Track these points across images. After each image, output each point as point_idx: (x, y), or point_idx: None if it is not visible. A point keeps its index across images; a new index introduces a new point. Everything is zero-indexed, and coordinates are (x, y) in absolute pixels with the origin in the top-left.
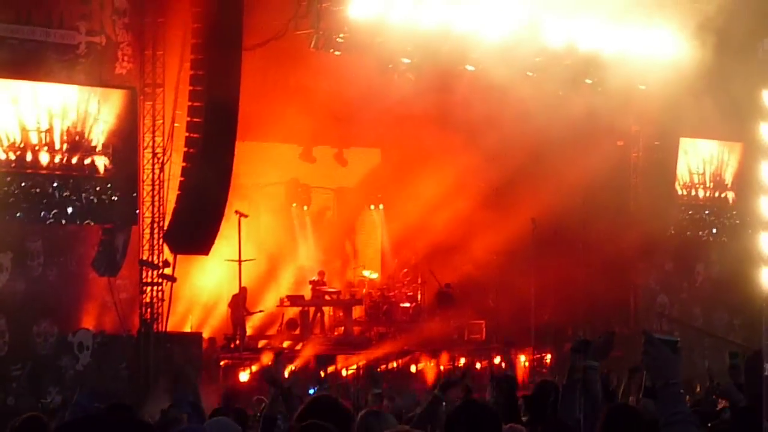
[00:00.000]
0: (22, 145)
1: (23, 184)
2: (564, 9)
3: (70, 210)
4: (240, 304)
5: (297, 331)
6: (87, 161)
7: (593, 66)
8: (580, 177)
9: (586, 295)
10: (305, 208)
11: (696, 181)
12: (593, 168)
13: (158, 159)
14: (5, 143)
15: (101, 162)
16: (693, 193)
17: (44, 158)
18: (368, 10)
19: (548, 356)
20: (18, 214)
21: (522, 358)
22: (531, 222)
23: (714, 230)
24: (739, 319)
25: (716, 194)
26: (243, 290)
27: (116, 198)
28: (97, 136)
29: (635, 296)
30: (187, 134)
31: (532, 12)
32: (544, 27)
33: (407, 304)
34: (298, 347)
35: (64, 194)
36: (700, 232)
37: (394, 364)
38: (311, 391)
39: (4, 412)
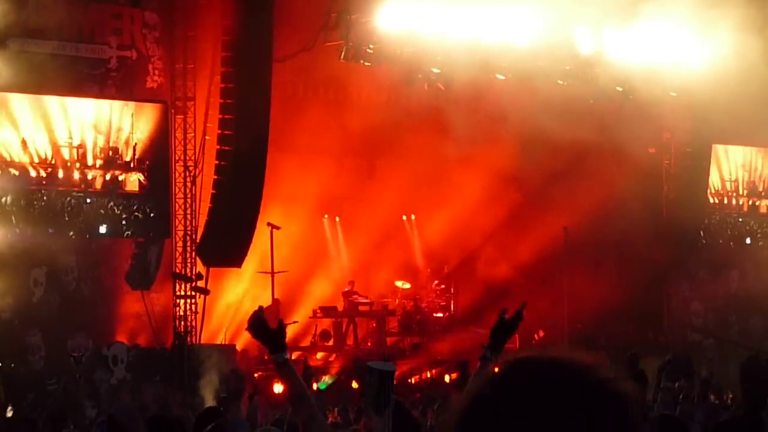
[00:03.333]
0: (53, 162)
1: (56, 200)
2: (593, 17)
3: (103, 224)
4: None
5: (330, 342)
6: (120, 176)
7: (623, 73)
8: (612, 185)
9: (619, 303)
10: (337, 219)
11: (729, 188)
12: (625, 176)
13: (190, 172)
14: (36, 159)
15: (134, 176)
16: (726, 200)
17: (77, 174)
18: (397, 20)
19: None
20: (51, 230)
21: None
22: (563, 230)
23: (748, 238)
24: None
25: (750, 202)
26: (276, 302)
27: (149, 212)
28: (129, 150)
29: (668, 304)
30: (218, 147)
31: (562, 21)
32: (574, 35)
33: (440, 314)
34: (331, 358)
35: (97, 209)
36: (734, 240)
37: (428, 375)
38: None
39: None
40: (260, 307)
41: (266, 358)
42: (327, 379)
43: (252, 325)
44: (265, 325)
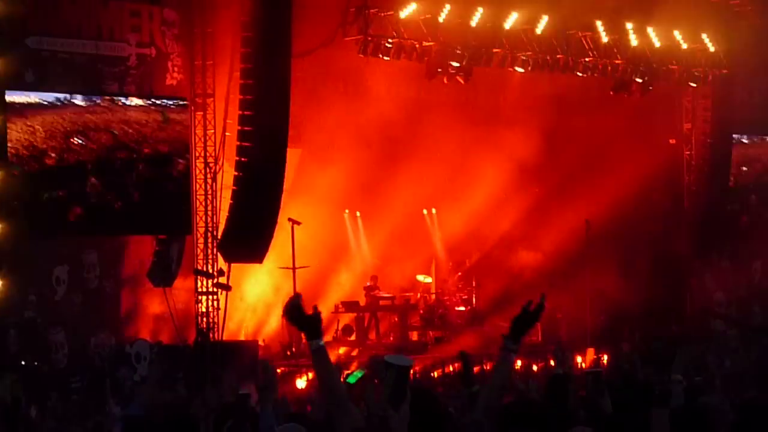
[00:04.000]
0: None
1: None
2: (613, 8)
3: (124, 221)
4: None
5: (353, 337)
6: (140, 172)
7: (643, 64)
8: (634, 176)
9: (641, 294)
10: (357, 214)
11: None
12: (646, 167)
13: (210, 169)
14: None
15: (154, 173)
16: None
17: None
18: (417, 14)
19: (605, 357)
20: (72, 227)
21: (578, 359)
22: (585, 223)
23: None
24: None
25: None
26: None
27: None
28: (149, 147)
29: (691, 295)
30: (238, 143)
31: (582, 12)
32: (594, 26)
33: (462, 308)
34: (354, 353)
35: (118, 205)
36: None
37: (451, 368)
38: None
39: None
40: (297, 294)
41: (288, 353)
42: (357, 372)
43: (289, 310)
44: (302, 312)
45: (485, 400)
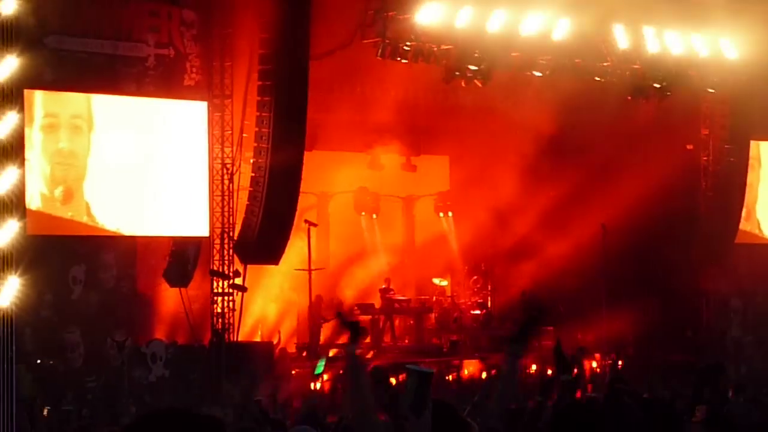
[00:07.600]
0: None
1: None
2: (631, 13)
3: (142, 221)
4: (316, 313)
5: (367, 340)
6: (158, 172)
7: (661, 69)
8: (651, 182)
9: (658, 300)
10: (374, 216)
11: None
12: (663, 172)
13: (227, 169)
14: None
15: (172, 173)
16: None
17: None
18: (435, 17)
19: (620, 361)
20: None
21: (594, 364)
22: (601, 228)
23: None
24: None
25: None
26: (318, 298)
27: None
28: (168, 147)
29: (707, 301)
30: (255, 144)
31: (600, 17)
32: (612, 32)
33: (477, 311)
34: (368, 356)
35: (136, 206)
36: None
37: (466, 372)
38: None
39: (80, 423)
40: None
41: (304, 354)
42: (321, 362)
43: (343, 315)
44: (350, 318)
45: (497, 407)
